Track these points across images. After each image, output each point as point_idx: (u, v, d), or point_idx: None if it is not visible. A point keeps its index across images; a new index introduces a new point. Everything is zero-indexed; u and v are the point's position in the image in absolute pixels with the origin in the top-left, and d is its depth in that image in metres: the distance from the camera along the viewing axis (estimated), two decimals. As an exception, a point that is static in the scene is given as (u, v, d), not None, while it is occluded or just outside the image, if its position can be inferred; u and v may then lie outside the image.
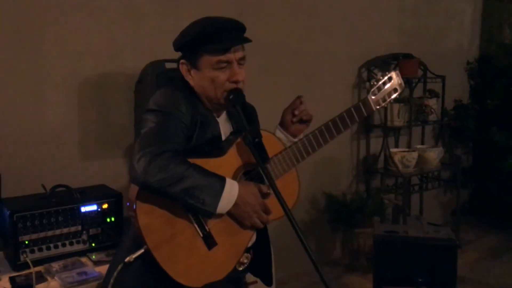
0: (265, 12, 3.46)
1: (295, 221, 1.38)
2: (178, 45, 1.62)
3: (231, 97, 1.57)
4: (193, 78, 1.63)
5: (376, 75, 1.78)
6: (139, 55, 2.86)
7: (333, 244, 4.05)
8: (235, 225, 1.56)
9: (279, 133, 1.78)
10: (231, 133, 1.63)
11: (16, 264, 2.14)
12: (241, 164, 1.60)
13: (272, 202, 1.51)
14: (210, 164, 1.53)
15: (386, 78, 1.72)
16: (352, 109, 1.71)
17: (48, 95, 2.64)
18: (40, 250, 2.20)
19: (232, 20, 1.61)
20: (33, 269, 2.06)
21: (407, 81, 4.19)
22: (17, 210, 2.15)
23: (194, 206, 1.46)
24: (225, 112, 1.73)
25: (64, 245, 2.25)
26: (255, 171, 1.63)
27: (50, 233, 2.22)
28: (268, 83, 3.51)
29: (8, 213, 2.13)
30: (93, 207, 2.32)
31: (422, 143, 4.41)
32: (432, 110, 4.16)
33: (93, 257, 2.27)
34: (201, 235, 1.53)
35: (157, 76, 2.68)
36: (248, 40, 1.62)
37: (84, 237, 2.30)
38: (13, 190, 2.40)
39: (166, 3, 3.01)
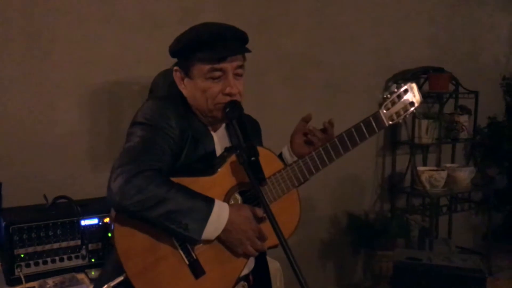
0: (288, 22, 3.33)
1: (290, 251, 1.21)
2: (172, 51, 1.51)
3: (227, 110, 1.44)
4: (186, 88, 1.50)
5: (390, 87, 1.61)
6: (154, 64, 2.73)
7: (355, 266, 3.84)
8: (227, 252, 1.41)
9: (286, 152, 1.64)
10: (225, 149, 1.48)
11: (10, 279, 2.04)
12: (235, 184, 1.44)
13: (269, 227, 1.35)
14: (199, 183, 1.38)
15: (401, 90, 1.56)
16: (362, 124, 1.54)
17: (58, 103, 2.56)
18: (37, 264, 2.09)
19: (231, 28, 1.47)
20: (25, 285, 1.97)
21: (437, 96, 3.99)
22: (13, 221, 2.06)
23: (176, 232, 1.31)
24: (223, 126, 1.59)
25: (62, 260, 2.14)
26: (250, 192, 1.48)
27: (47, 246, 2.11)
28: (290, 95, 3.38)
29: (3, 224, 2.05)
30: (94, 221, 2.21)
31: (452, 162, 4.17)
32: (464, 127, 3.92)
33: (92, 273, 2.15)
34: (187, 262, 1.39)
35: (169, 85, 2.58)
36: (246, 51, 1.49)
37: (84, 252, 2.19)
38: (17, 200, 2.33)
39: (184, 11, 2.91)
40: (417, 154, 3.92)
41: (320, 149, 1.51)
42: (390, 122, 1.56)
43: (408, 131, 3.86)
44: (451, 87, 3.98)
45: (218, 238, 1.39)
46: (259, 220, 1.41)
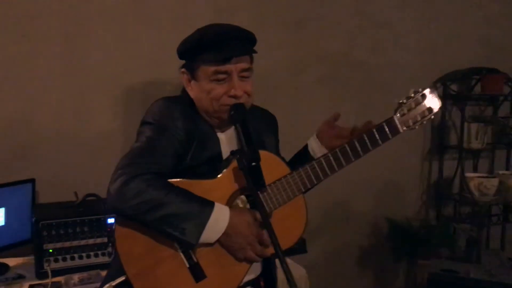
0: (327, 22, 3.24)
1: (285, 261, 1.16)
2: (179, 52, 1.49)
3: (231, 113, 1.40)
4: (192, 89, 1.48)
5: (409, 92, 1.54)
6: (187, 64, 2.77)
7: (396, 275, 3.69)
8: (229, 256, 1.38)
9: (313, 143, 1.59)
10: (231, 152, 1.45)
11: (39, 272, 2.12)
12: (238, 187, 1.41)
13: (276, 232, 1.30)
14: (202, 186, 1.36)
15: (418, 95, 1.49)
16: (375, 130, 1.47)
17: (93, 102, 2.63)
18: (64, 259, 2.17)
19: (237, 28, 1.44)
20: (50, 280, 2.03)
21: (491, 99, 3.76)
22: (42, 217, 2.13)
23: (173, 236, 1.30)
24: (233, 127, 1.56)
25: (88, 256, 2.20)
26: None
27: (75, 243, 2.18)
28: (328, 95, 3.29)
29: (33, 220, 2.12)
30: (120, 219, 2.24)
31: (507, 169, 3.90)
32: (519, 132, 3.67)
33: (118, 271, 2.19)
34: (188, 265, 1.36)
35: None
36: (251, 51, 1.45)
37: (109, 249, 2.23)
38: (49, 196, 2.41)
39: (218, 11, 2.91)
40: (467, 160, 3.72)
41: (329, 154, 1.45)
42: (405, 128, 1.50)
43: (457, 135, 3.66)
44: (506, 89, 3.73)
45: (219, 242, 1.36)
46: (262, 225, 1.36)
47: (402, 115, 1.50)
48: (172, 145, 1.39)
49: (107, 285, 1.36)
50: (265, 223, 1.19)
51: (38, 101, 2.52)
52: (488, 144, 3.57)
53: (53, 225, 2.14)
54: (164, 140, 1.39)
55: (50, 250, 2.14)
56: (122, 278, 1.36)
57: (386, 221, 3.54)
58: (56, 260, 2.15)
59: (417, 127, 1.52)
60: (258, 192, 1.30)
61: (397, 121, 1.49)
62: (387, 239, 3.56)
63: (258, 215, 1.36)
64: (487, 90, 3.61)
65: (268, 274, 1.56)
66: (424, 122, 1.51)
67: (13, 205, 2.24)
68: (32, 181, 2.31)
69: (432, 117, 1.52)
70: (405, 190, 3.66)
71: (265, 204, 1.40)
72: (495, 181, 3.49)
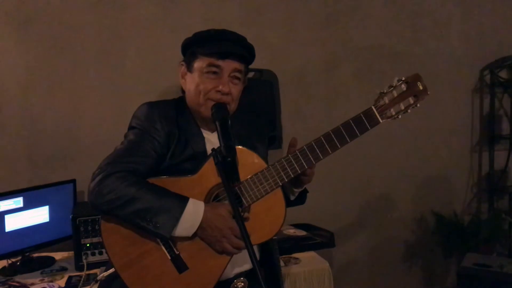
0: (360, 14, 3.21)
1: (254, 255, 1.19)
2: (182, 45, 1.58)
3: (213, 111, 1.47)
4: (185, 82, 1.56)
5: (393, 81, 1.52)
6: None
7: (447, 269, 3.57)
8: (209, 249, 1.43)
9: None
10: (212, 150, 1.50)
11: (78, 265, 2.31)
12: (216, 183, 1.45)
13: (255, 224, 1.34)
14: (181, 183, 1.43)
15: (401, 83, 1.45)
16: (351, 121, 1.46)
17: (129, 106, 2.73)
18: (100, 253, 2.33)
19: (242, 37, 1.53)
20: (85, 272, 2.20)
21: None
22: (79, 214, 2.32)
23: (146, 229, 1.38)
24: None
25: (122, 250, 2.35)
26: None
27: (109, 238, 2.33)
28: (364, 89, 3.24)
29: (71, 217, 2.31)
30: (151, 215, 2.38)
31: None
32: None
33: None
34: (169, 257, 1.44)
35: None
36: (247, 58, 1.52)
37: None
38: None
39: (246, 12, 2.98)
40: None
41: (305, 147, 1.46)
42: (387, 119, 1.47)
43: (508, 124, 3.48)
44: None
45: (197, 235, 1.42)
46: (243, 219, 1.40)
47: (383, 104, 1.47)
48: (152, 146, 1.47)
49: (100, 275, 1.47)
50: (236, 216, 1.24)
51: (78, 108, 2.73)
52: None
53: (89, 222, 2.31)
54: (145, 141, 1.47)
55: (88, 245, 2.32)
56: (112, 270, 1.46)
57: (432, 215, 3.44)
58: (93, 254, 2.32)
59: (400, 116, 1.48)
60: (233, 186, 1.34)
61: (376, 112, 1.46)
62: (435, 234, 3.45)
63: (232, 209, 1.38)
64: (541, 76, 3.40)
65: (268, 263, 1.60)
66: (409, 111, 1.47)
67: (56, 204, 2.45)
68: (73, 181, 2.51)
69: (418, 105, 1.47)
70: (453, 183, 3.53)
71: (242, 198, 1.44)
72: (551, 172, 3.28)
